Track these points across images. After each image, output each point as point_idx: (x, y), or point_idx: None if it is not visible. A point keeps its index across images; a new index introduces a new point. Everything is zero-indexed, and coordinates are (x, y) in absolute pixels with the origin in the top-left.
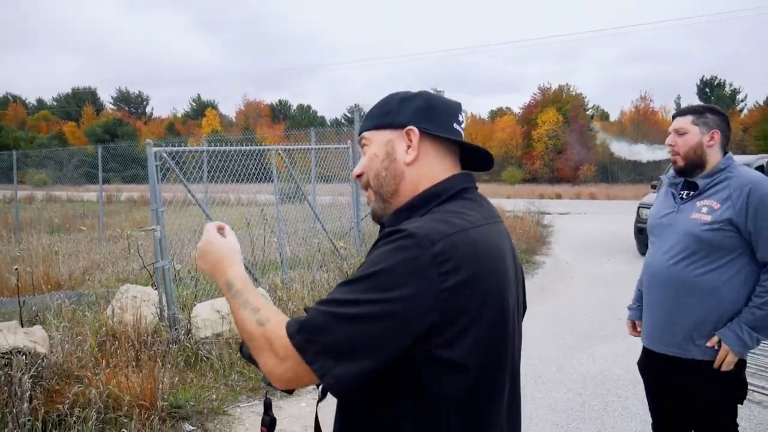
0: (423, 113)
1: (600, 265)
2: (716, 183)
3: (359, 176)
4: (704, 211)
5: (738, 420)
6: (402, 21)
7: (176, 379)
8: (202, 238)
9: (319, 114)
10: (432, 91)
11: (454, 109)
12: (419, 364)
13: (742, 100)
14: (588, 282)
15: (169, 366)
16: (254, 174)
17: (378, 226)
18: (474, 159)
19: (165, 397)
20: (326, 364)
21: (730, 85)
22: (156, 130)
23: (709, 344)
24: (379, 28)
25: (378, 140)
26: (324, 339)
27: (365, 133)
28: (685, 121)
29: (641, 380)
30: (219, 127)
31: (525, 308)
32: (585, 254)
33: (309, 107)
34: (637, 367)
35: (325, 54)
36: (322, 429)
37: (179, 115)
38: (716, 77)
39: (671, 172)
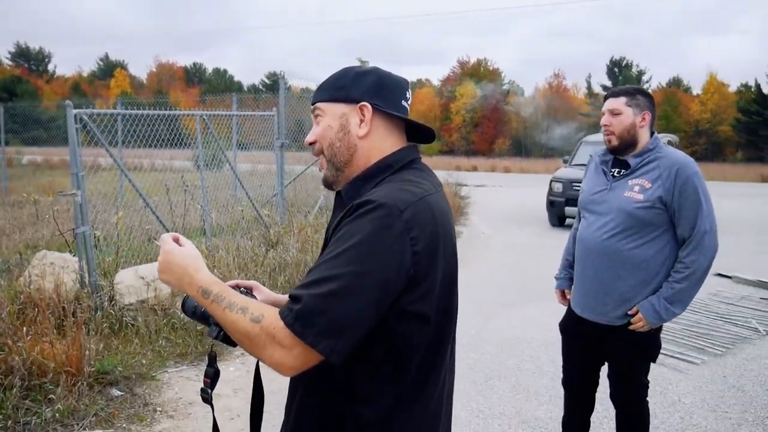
0: (375, 90)
1: (514, 235)
2: (647, 162)
3: (312, 143)
4: (636, 189)
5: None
6: None
7: (101, 345)
8: (161, 252)
9: (236, 79)
10: (359, 62)
11: (402, 86)
12: (392, 318)
13: (647, 82)
14: (503, 251)
15: (94, 333)
16: (170, 139)
17: (304, 196)
18: (417, 133)
19: (91, 363)
20: (329, 343)
21: (637, 66)
22: (59, 90)
23: (630, 312)
24: None
25: (332, 112)
26: (321, 320)
27: (319, 104)
28: (618, 102)
29: (553, 342)
30: (129, 88)
31: None
32: (500, 225)
33: (225, 72)
34: (549, 331)
35: (243, 17)
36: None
37: (85, 74)
38: (624, 58)
39: (601, 150)
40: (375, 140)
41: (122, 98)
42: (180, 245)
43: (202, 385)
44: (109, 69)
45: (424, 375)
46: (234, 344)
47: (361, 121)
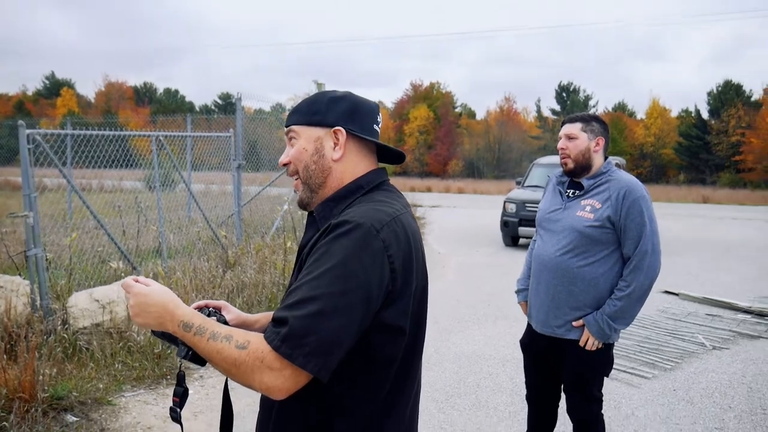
0: (349, 115)
1: (470, 255)
2: (599, 185)
3: (286, 164)
4: (588, 210)
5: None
6: (275, 9)
7: (55, 370)
8: (131, 296)
9: (187, 99)
10: (315, 84)
11: (374, 111)
12: (371, 332)
13: (593, 106)
14: (459, 271)
15: (47, 358)
16: (120, 159)
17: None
18: (387, 154)
19: (45, 388)
20: (318, 362)
21: (584, 91)
22: (2, 109)
23: (575, 324)
24: (253, 13)
25: (307, 136)
26: (309, 341)
27: (294, 127)
28: (575, 128)
29: (510, 359)
30: (76, 108)
31: None
32: (456, 245)
33: (177, 92)
34: (505, 348)
35: (194, 37)
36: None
37: (30, 93)
38: (572, 83)
39: (558, 172)
40: (348, 163)
41: (70, 118)
42: (145, 285)
43: (171, 404)
44: (55, 87)
45: (399, 387)
46: (203, 363)
47: (335, 144)
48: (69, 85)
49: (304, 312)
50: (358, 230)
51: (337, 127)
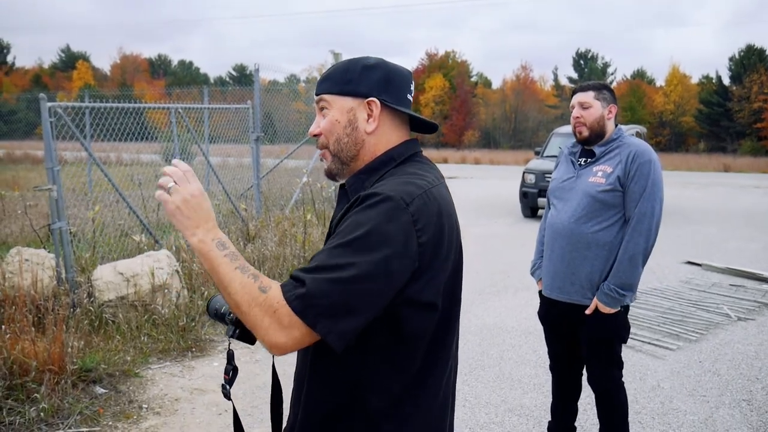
0: (383, 85)
1: (488, 226)
2: (610, 150)
3: (316, 135)
4: (599, 175)
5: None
6: None
7: (82, 342)
8: (179, 188)
9: (201, 71)
10: (332, 54)
11: (407, 80)
12: (399, 306)
13: (612, 74)
14: (478, 242)
15: (74, 330)
16: (138, 132)
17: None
18: (419, 124)
19: (74, 361)
20: (327, 324)
21: (602, 58)
22: (20, 82)
23: (588, 311)
24: None
25: (339, 106)
26: (322, 302)
27: (326, 96)
28: (588, 96)
29: (532, 331)
30: (92, 81)
31: None
32: (474, 216)
33: (191, 63)
34: (526, 320)
35: (208, 7)
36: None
37: (46, 66)
38: (590, 50)
39: (570, 143)
40: (382, 135)
41: (87, 91)
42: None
43: (222, 382)
44: (71, 61)
45: (432, 362)
46: (252, 341)
47: (369, 116)
48: (84, 58)
49: (323, 276)
50: (387, 202)
51: (371, 98)
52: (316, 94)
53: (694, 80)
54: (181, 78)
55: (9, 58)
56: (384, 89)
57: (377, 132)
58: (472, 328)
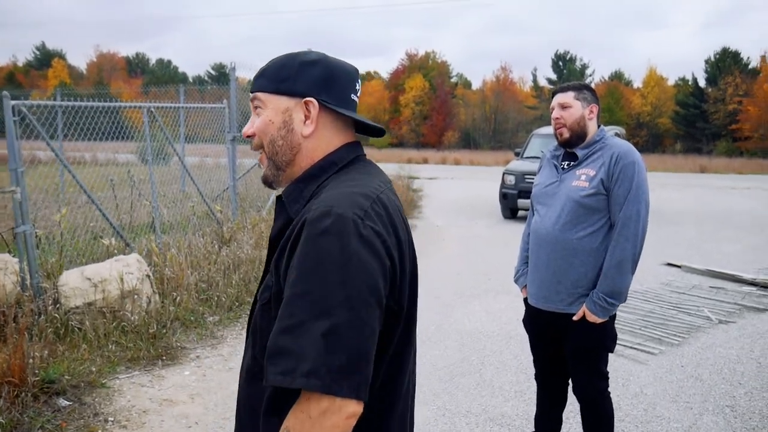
0: (322, 84)
1: (469, 228)
2: (593, 153)
3: (250, 136)
4: (583, 179)
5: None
6: None
7: (46, 352)
8: None
9: (180, 70)
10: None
11: (352, 78)
12: None
13: (590, 75)
14: (458, 244)
15: (37, 339)
16: (113, 132)
17: (259, 190)
18: (366, 126)
19: (36, 372)
20: (354, 379)
21: (581, 60)
22: None
23: (575, 318)
24: None
25: (274, 106)
26: (335, 363)
27: (260, 95)
28: (567, 97)
29: (513, 335)
30: (68, 79)
31: None
32: (454, 217)
33: (169, 62)
34: (508, 324)
35: (187, 5)
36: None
37: (20, 64)
38: (568, 52)
39: (552, 146)
40: (320, 139)
41: (62, 89)
42: None
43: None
44: (46, 58)
45: (392, 375)
46: None
47: (306, 118)
48: (60, 55)
49: (313, 336)
50: (341, 222)
51: (308, 98)
52: (251, 92)
53: (671, 82)
54: (159, 77)
55: None
56: (324, 88)
57: (315, 135)
58: (452, 333)
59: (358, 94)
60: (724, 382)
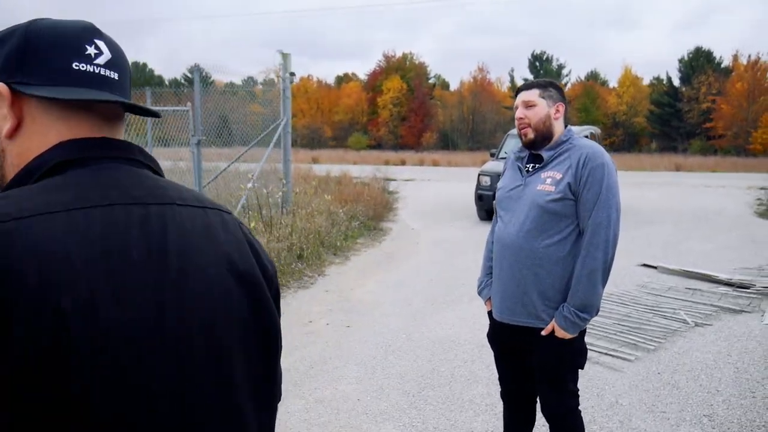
0: (15, 59)
1: (443, 230)
2: (559, 154)
3: None
4: (548, 182)
5: (579, 383)
6: None
7: None
8: None
9: (156, 73)
10: (280, 54)
11: (71, 39)
12: None
13: (566, 75)
14: (433, 247)
15: None
16: None
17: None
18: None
19: None
20: None
21: (557, 60)
22: None
23: (544, 333)
24: None
25: None
26: None
27: None
28: (532, 94)
29: (485, 344)
30: None
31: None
32: (430, 220)
33: (145, 65)
34: (480, 331)
35: (162, 8)
36: None
37: None
38: (545, 52)
39: (516, 147)
40: (31, 138)
41: None
42: None
43: None
44: None
45: None
46: None
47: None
48: None
49: None
50: None
51: None
52: None
53: (646, 81)
54: (134, 80)
55: None
56: (17, 66)
57: (24, 133)
58: (423, 342)
59: (98, 60)
60: (702, 389)
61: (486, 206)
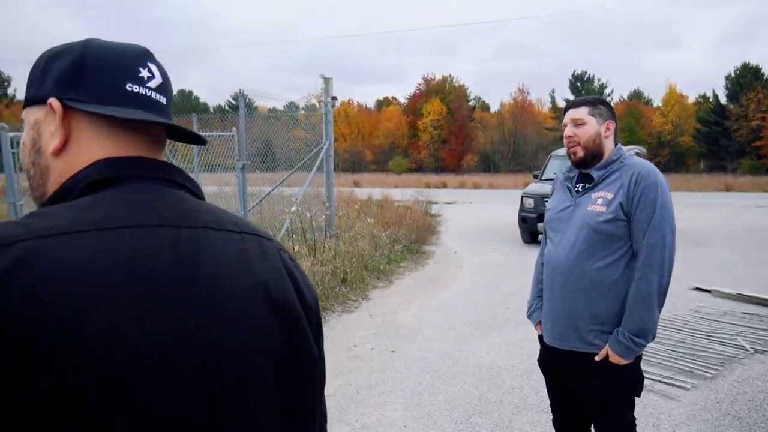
0: (69, 76)
1: (487, 253)
2: (610, 174)
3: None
4: (600, 202)
5: (636, 412)
6: (288, 4)
7: None
8: None
9: (201, 100)
10: (322, 79)
11: (126, 61)
12: None
13: (609, 95)
14: (476, 271)
15: None
16: None
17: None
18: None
19: None
20: None
21: (599, 80)
22: (20, 114)
23: (597, 358)
24: (265, 11)
25: (27, 122)
26: None
27: (23, 113)
28: (581, 112)
29: (534, 370)
30: None
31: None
32: (472, 243)
33: (191, 93)
34: (529, 357)
35: (209, 38)
36: None
37: None
38: (586, 72)
39: (565, 167)
40: (77, 155)
41: None
42: None
43: None
44: None
45: None
46: None
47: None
48: None
49: None
50: None
51: (50, 99)
52: None
53: (691, 99)
54: (180, 107)
55: (10, 91)
56: (71, 82)
57: (69, 151)
58: (469, 368)
59: (149, 84)
60: (764, 420)
61: (530, 228)
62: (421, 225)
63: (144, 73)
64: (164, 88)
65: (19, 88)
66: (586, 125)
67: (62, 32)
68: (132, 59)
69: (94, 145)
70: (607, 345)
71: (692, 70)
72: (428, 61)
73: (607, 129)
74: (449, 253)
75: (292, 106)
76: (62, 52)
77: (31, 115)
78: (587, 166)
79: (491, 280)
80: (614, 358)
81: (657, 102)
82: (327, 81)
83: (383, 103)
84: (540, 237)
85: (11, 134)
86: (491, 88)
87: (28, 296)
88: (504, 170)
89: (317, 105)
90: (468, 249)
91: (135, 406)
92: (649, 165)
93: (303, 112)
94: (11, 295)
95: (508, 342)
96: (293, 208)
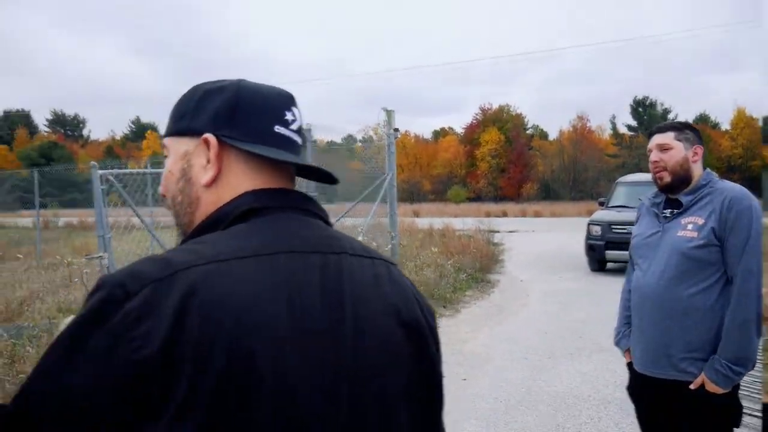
0: (224, 115)
1: (553, 282)
2: (700, 198)
3: (164, 196)
4: (690, 228)
5: None
6: (343, 40)
7: None
8: None
9: None
10: (384, 112)
11: (275, 104)
12: None
13: (673, 119)
14: (544, 299)
15: None
16: None
17: None
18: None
19: None
20: None
21: (661, 104)
22: (94, 153)
23: (693, 387)
24: (320, 46)
25: (175, 151)
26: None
27: (166, 140)
28: (667, 137)
29: (611, 400)
30: (160, 149)
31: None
32: (538, 271)
33: None
34: (604, 387)
35: (266, 75)
36: None
37: (118, 137)
38: (648, 97)
39: (650, 193)
40: (225, 188)
41: (153, 158)
42: None
43: None
44: (140, 131)
45: None
46: None
47: (208, 161)
48: (153, 128)
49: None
50: (95, 296)
51: (206, 135)
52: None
53: (761, 122)
54: None
55: (85, 132)
56: (226, 121)
57: (219, 184)
58: (544, 397)
59: (292, 126)
60: None
61: (597, 256)
62: (484, 254)
63: (288, 116)
64: (301, 130)
65: (93, 130)
66: (672, 150)
67: (130, 75)
68: (279, 103)
69: (243, 179)
70: (703, 373)
71: (760, 91)
72: (484, 90)
73: (695, 154)
74: (515, 281)
75: (350, 139)
76: (217, 90)
77: (182, 145)
78: (674, 191)
79: (560, 309)
80: (711, 387)
81: (725, 126)
82: (389, 113)
83: (440, 134)
84: (609, 265)
85: (100, 171)
86: (549, 116)
87: (206, 318)
88: (565, 198)
89: (374, 137)
90: (534, 277)
91: (293, 415)
92: (742, 189)
93: (361, 143)
94: (192, 317)
95: (581, 372)
96: (360, 238)
